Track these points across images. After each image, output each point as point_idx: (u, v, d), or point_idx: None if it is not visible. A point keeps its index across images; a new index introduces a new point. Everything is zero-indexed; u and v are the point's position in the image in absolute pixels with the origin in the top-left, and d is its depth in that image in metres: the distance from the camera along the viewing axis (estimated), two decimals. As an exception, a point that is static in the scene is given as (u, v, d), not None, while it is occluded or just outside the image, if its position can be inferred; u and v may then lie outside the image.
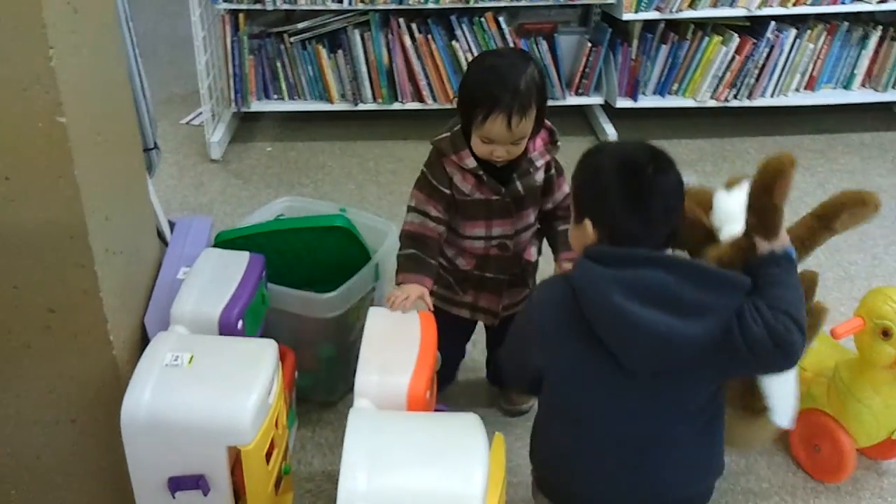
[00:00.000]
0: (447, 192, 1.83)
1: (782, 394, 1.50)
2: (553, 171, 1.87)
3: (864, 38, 3.53)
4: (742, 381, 1.58)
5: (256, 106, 3.37)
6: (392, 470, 1.36)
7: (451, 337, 1.82)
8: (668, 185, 1.40)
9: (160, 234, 1.99)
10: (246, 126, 3.53)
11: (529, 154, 1.81)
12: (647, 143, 1.43)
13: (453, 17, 3.27)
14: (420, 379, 1.56)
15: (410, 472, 1.37)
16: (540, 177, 1.84)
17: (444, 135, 1.84)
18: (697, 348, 1.33)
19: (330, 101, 3.39)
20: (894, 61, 3.57)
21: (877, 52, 3.58)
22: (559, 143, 1.86)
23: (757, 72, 3.46)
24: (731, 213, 1.59)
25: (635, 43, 3.40)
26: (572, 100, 3.50)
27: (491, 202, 1.83)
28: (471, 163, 1.79)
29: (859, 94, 3.64)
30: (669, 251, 1.46)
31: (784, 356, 1.35)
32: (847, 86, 3.64)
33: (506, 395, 2.16)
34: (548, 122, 1.85)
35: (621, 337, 1.35)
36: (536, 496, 1.61)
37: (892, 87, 3.63)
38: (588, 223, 1.42)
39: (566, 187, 1.87)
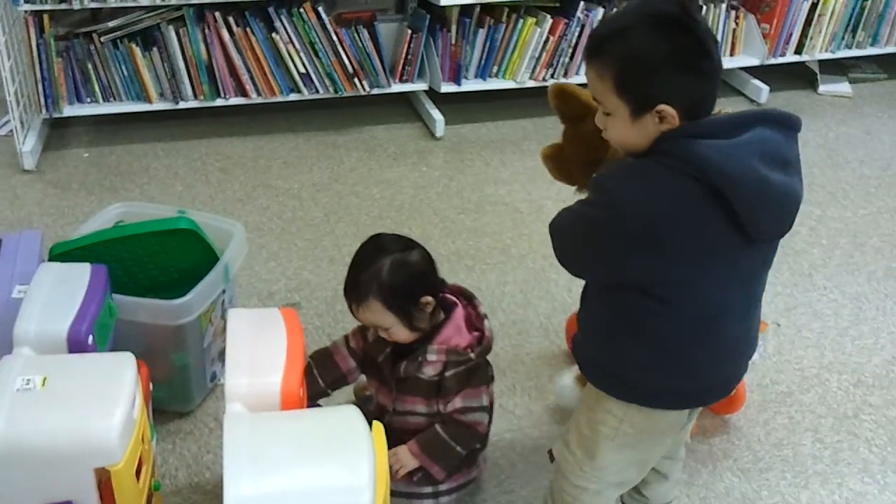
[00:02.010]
0: (366, 337, 1.85)
1: None
2: (448, 376, 1.73)
3: (665, 14, 3.73)
4: None
5: (69, 111, 3.19)
6: (277, 471, 1.34)
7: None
8: (705, 22, 1.37)
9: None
10: (59, 133, 3.34)
11: (429, 344, 1.74)
12: None
13: (271, 9, 3.21)
14: (292, 376, 1.54)
15: (296, 470, 1.35)
16: (429, 372, 1.73)
17: None
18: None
19: (148, 100, 3.26)
20: (693, 35, 3.79)
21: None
22: (472, 356, 1.74)
23: (571, 51, 3.59)
24: None
25: (454, 28, 3.45)
26: (397, 87, 3.51)
27: (379, 365, 1.80)
28: None
29: (664, 68, 3.83)
30: None
31: None
32: (653, 60, 3.83)
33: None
34: (487, 331, 1.78)
35: (763, 205, 1.33)
36: (640, 415, 1.52)
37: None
38: (659, 110, 1.32)
39: (459, 403, 1.73)
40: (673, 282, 1.39)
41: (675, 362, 1.47)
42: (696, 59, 1.32)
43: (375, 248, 1.74)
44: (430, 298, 1.72)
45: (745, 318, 1.49)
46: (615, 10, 1.43)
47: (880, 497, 2.00)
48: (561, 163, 1.92)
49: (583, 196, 1.58)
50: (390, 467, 1.72)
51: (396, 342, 1.75)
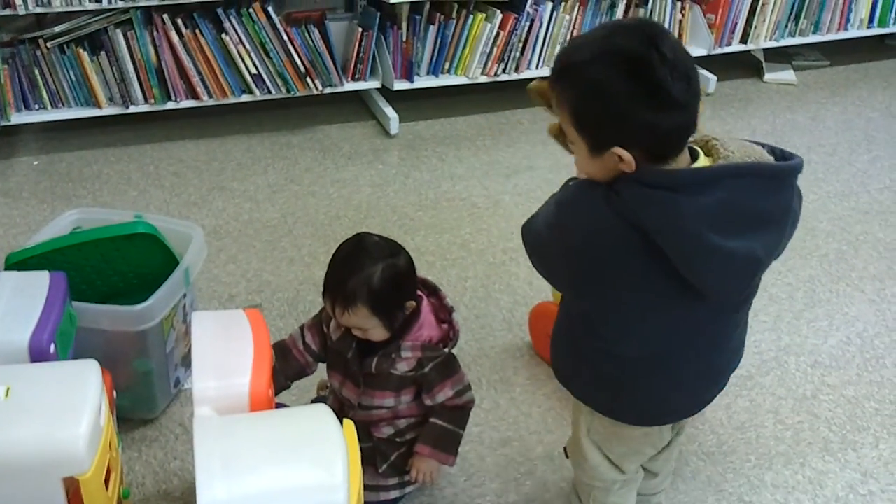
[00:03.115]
0: (325, 331, 1.83)
1: None
2: (428, 370, 1.75)
3: (612, 6, 3.76)
4: None
5: (17, 118, 3.13)
6: (250, 473, 1.33)
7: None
8: (681, 50, 1.25)
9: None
10: (7, 141, 3.27)
11: (402, 341, 1.75)
12: (620, 22, 1.33)
13: (220, 10, 3.18)
14: (260, 377, 1.53)
15: (269, 471, 1.34)
16: (403, 368, 1.75)
17: None
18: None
19: (98, 105, 3.21)
20: (641, 27, 3.83)
21: (625, 17, 3.82)
22: (447, 349, 1.79)
23: (521, 45, 3.61)
24: None
25: (405, 25, 3.45)
26: (350, 85, 3.50)
27: (347, 361, 1.79)
28: None
29: (614, 60, 3.87)
30: None
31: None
32: (602, 53, 3.87)
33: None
34: (455, 323, 1.81)
35: (708, 273, 1.27)
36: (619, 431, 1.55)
37: (642, 51, 3.90)
38: (616, 151, 1.25)
39: (450, 390, 1.77)
40: (609, 319, 1.41)
41: (614, 391, 1.49)
42: (658, 99, 1.23)
43: (363, 252, 1.72)
44: (412, 303, 1.74)
45: (709, 354, 1.46)
46: (584, 33, 1.35)
47: (842, 474, 2.05)
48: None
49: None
50: (418, 480, 1.82)
51: (365, 339, 1.75)
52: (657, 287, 1.32)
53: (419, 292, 1.81)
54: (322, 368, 1.91)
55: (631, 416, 1.53)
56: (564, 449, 1.75)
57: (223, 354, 1.56)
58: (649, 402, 1.50)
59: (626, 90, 1.23)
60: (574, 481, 1.76)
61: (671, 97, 1.23)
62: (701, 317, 1.39)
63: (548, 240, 1.41)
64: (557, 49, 3.71)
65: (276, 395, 1.81)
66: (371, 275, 1.67)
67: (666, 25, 3.87)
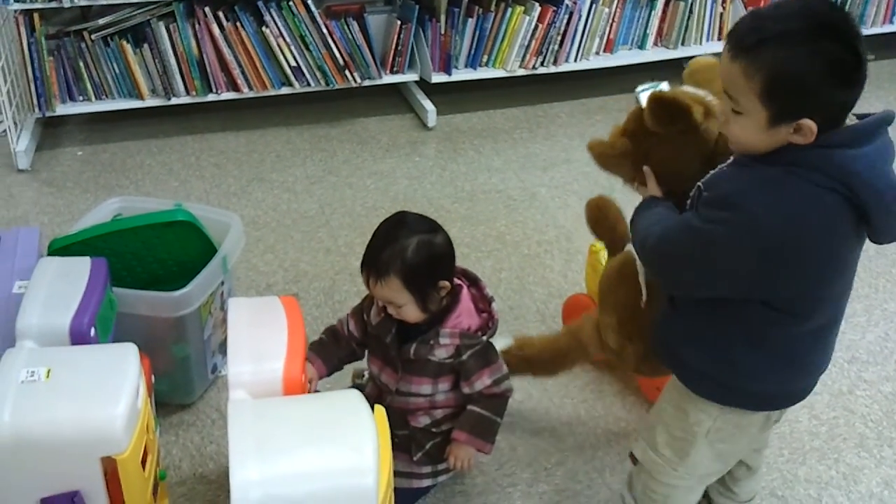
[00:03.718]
0: (364, 318, 1.86)
1: None
2: (465, 358, 1.76)
3: (652, 0, 3.75)
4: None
5: (62, 109, 3.19)
6: (282, 454, 1.35)
7: None
8: (859, 28, 1.29)
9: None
10: (52, 132, 3.34)
11: (441, 327, 1.76)
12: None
13: (260, 3, 3.21)
14: (294, 362, 1.55)
15: (301, 453, 1.36)
16: (441, 355, 1.76)
17: None
18: None
19: (140, 97, 3.26)
20: (681, 19, 3.81)
21: (665, 11, 3.81)
22: (485, 337, 1.79)
23: (560, 38, 3.60)
24: None
25: (443, 18, 3.46)
26: (388, 78, 3.52)
27: (386, 345, 1.81)
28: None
29: (653, 53, 3.86)
30: None
31: None
32: (642, 46, 3.85)
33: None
34: (495, 312, 1.81)
35: (895, 211, 1.31)
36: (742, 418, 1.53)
37: (682, 45, 3.88)
38: (800, 124, 1.27)
39: (487, 378, 1.78)
40: (799, 294, 1.37)
41: (790, 370, 1.48)
42: (850, 72, 1.26)
43: (402, 226, 1.74)
44: (447, 283, 1.75)
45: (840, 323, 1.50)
46: (768, 5, 1.32)
47: (877, 471, 2.03)
48: (631, 160, 1.72)
49: (639, 191, 1.64)
50: (455, 467, 1.81)
51: (402, 323, 1.76)
52: (847, 251, 1.36)
53: (459, 281, 1.82)
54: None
55: (770, 402, 1.53)
56: (631, 454, 1.71)
57: (258, 339, 1.59)
58: (806, 378, 1.52)
59: (828, 62, 1.25)
60: (639, 489, 1.69)
61: (863, 72, 1.27)
62: (854, 275, 1.44)
63: (716, 242, 1.34)
64: (596, 42, 3.71)
65: (328, 375, 1.85)
66: (405, 247, 1.69)
67: (706, 19, 3.85)
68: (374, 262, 1.70)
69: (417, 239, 1.71)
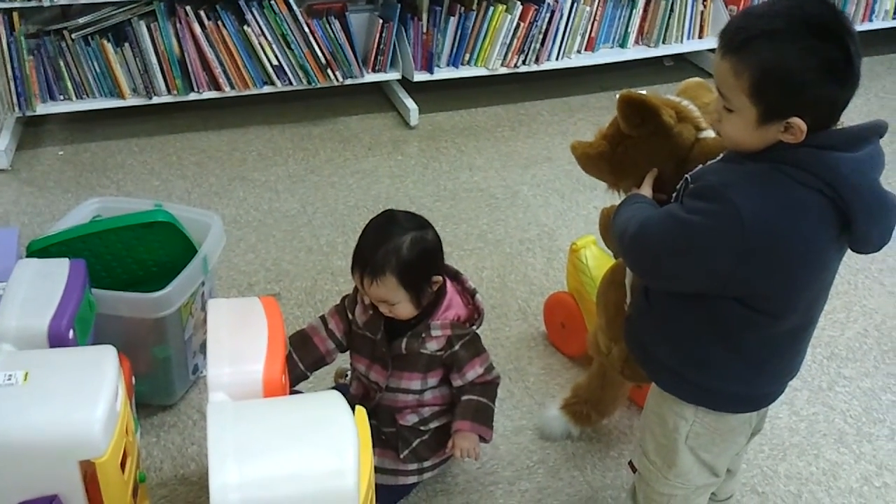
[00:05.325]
0: (349, 317, 1.85)
1: None
2: (458, 348, 1.79)
3: (633, -1, 3.76)
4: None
5: (42, 108, 3.17)
6: (262, 457, 1.35)
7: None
8: (853, 27, 1.28)
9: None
10: (32, 131, 3.33)
11: (431, 320, 1.77)
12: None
13: (242, 2, 3.20)
14: (273, 364, 1.55)
15: (281, 456, 1.36)
16: (433, 347, 1.77)
17: None
18: None
19: (121, 96, 3.25)
20: (662, 18, 3.83)
21: (646, 10, 3.82)
22: (475, 328, 1.82)
23: (541, 37, 3.61)
24: None
25: (425, 16, 3.47)
26: (370, 77, 3.52)
27: (375, 343, 1.81)
28: (368, 299, 1.80)
29: (634, 52, 3.88)
30: None
31: None
32: (623, 44, 3.87)
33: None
34: (479, 303, 1.84)
35: (879, 220, 1.32)
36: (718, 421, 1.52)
37: (663, 43, 3.90)
38: (794, 122, 1.27)
39: (479, 367, 1.82)
40: (776, 292, 1.37)
41: (760, 373, 1.47)
42: (840, 70, 1.26)
43: (393, 224, 1.75)
44: (439, 277, 1.76)
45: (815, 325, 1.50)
46: (759, 3, 1.32)
47: (856, 466, 2.04)
48: (608, 162, 1.74)
49: (615, 195, 1.65)
50: (462, 457, 1.79)
51: (390, 319, 1.77)
52: (828, 252, 1.35)
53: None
54: (338, 358, 1.93)
55: (746, 403, 1.52)
56: (630, 463, 1.71)
57: (238, 341, 1.58)
58: (779, 379, 1.52)
59: (818, 60, 1.25)
60: (640, 498, 1.69)
61: (856, 71, 1.27)
62: (832, 278, 1.43)
63: (699, 233, 1.33)
64: (578, 41, 3.71)
65: (294, 384, 1.84)
66: (400, 245, 1.70)
67: (687, 18, 3.86)
68: (369, 262, 1.70)
69: (411, 236, 1.72)
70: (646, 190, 1.60)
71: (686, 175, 1.42)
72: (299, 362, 1.86)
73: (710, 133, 1.61)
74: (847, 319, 2.51)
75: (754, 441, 2.05)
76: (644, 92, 1.63)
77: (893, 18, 4.18)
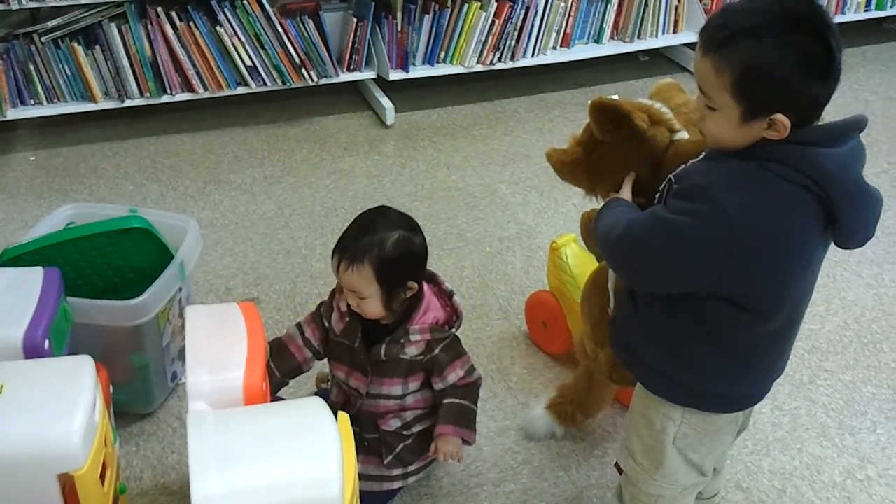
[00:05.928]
0: (326, 325, 1.84)
1: None
2: (438, 352, 1.78)
3: (608, -6, 3.76)
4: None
5: (13, 113, 3.12)
6: (244, 466, 1.33)
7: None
8: (834, 23, 1.28)
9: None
10: (3, 137, 3.27)
11: (410, 325, 1.76)
12: None
13: (214, 2, 3.17)
14: (254, 371, 1.53)
15: (263, 464, 1.34)
16: (412, 352, 1.76)
17: None
18: None
19: (93, 100, 3.20)
20: (637, 13, 3.83)
21: (620, 5, 3.81)
22: (454, 330, 1.81)
23: (516, 34, 3.60)
24: None
25: (399, 15, 3.45)
26: (345, 76, 3.49)
27: (353, 350, 1.79)
28: (344, 306, 1.78)
29: (610, 47, 3.87)
30: None
31: None
32: (598, 40, 3.86)
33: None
34: (458, 305, 1.82)
35: (864, 215, 1.33)
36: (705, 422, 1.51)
37: (638, 38, 3.90)
38: (778, 118, 1.27)
39: (460, 370, 1.81)
40: (762, 290, 1.36)
41: (746, 373, 1.47)
42: (821, 65, 1.26)
43: (384, 218, 1.75)
44: (414, 284, 1.75)
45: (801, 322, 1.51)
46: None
47: (839, 460, 2.05)
48: (584, 169, 1.74)
49: (593, 200, 1.65)
50: (445, 460, 1.80)
51: (368, 325, 1.76)
52: (814, 249, 1.36)
53: None
54: (318, 364, 1.91)
55: (732, 403, 1.51)
56: (616, 464, 1.70)
57: (217, 348, 1.56)
58: (765, 379, 1.52)
59: (799, 56, 1.25)
60: (628, 499, 1.68)
61: (837, 66, 1.27)
62: (817, 275, 1.44)
63: (685, 233, 1.31)
64: (553, 37, 3.71)
65: (275, 392, 1.82)
66: (386, 239, 1.70)
67: (661, 12, 3.86)
68: (350, 248, 1.70)
69: (398, 234, 1.71)
70: (625, 194, 1.59)
71: (670, 175, 1.41)
72: (276, 371, 1.84)
73: (683, 135, 1.61)
74: (827, 312, 2.52)
75: (738, 437, 2.07)
76: (616, 97, 1.63)
77: (866, 10, 4.20)
